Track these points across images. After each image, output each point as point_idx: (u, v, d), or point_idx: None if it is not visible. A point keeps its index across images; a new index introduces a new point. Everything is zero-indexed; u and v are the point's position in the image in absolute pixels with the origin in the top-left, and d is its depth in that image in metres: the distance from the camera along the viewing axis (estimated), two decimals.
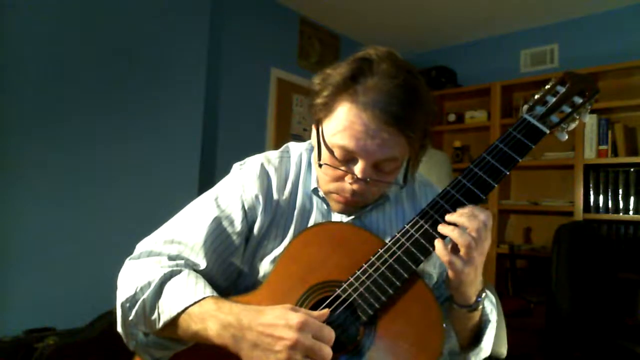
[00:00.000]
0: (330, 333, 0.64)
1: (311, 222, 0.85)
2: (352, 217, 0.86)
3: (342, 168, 0.78)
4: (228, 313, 0.67)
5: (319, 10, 3.26)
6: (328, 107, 0.77)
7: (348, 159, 0.77)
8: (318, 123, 0.81)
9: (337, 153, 0.77)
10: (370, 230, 0.83)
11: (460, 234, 0.69)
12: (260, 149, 0.98)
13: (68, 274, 1.95)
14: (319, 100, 0.79)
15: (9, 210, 1.83)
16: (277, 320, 0.63)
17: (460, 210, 0.71)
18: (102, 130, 2.09)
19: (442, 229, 0.71)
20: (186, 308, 0.70)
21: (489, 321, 0.82)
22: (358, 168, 0.76)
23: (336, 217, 0.87)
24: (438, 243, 0.71)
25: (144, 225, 0.92)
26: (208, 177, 2.58)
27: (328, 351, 0.63)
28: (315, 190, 0.87)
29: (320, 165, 0.80)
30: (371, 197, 0.84)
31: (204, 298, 0.71)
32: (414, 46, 3.76)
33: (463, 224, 0.69)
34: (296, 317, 0.62)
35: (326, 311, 0.68)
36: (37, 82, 1.90)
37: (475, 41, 3.60)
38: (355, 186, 0.78)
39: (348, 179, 0.78)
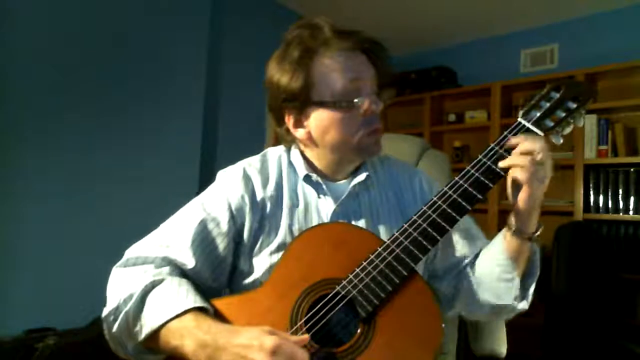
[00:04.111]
0: (304, 357, 0.64)
1: (300, 215, 0.88)
2: (342, 198, 0.89)
3: (367, 92, 0.86)
4: (206, 332, 0.68)
5: (319, 11, 3.25)
6: (309, 83, 0.85)
7: (357, 93, 0.85)
8: (317, 106, 0.86)
9: (348, 96, 0.84)
10: (358, 213, 0.89)
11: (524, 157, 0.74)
12: (260, 149, 1.00)
13: (68, 274, 1.95)
14: (294, 85, 0.86)
15: (10, 211, 1.83)
16: (251, 342, 0.64)
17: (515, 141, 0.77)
18: (102, 131, 2.09)
19: (502, 163, 0.76)
20: (167, 322, 0.71)
21: (539, 247, 0.85)
22: (368, 88, 0.86)
23: (323, 204, 0.89)
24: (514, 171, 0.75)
25: (143, 225, 0.93)
26: (208, 177, 2.58)
27: None
28: (307, 177, 0.90)
29: (352, 108, 0.85)
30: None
31: (184, 312, 0.71)
32: (414, 46, 3.76)
33: (527, 148, 0.74)
34: (270, 340, 0.63)
35: (306, 337, 0.68)
36: (37, 84, 1.90)
37: (475, 41, 3.60)
38: (380, 106, 0.87)
39: (368, 111, 0.85)
